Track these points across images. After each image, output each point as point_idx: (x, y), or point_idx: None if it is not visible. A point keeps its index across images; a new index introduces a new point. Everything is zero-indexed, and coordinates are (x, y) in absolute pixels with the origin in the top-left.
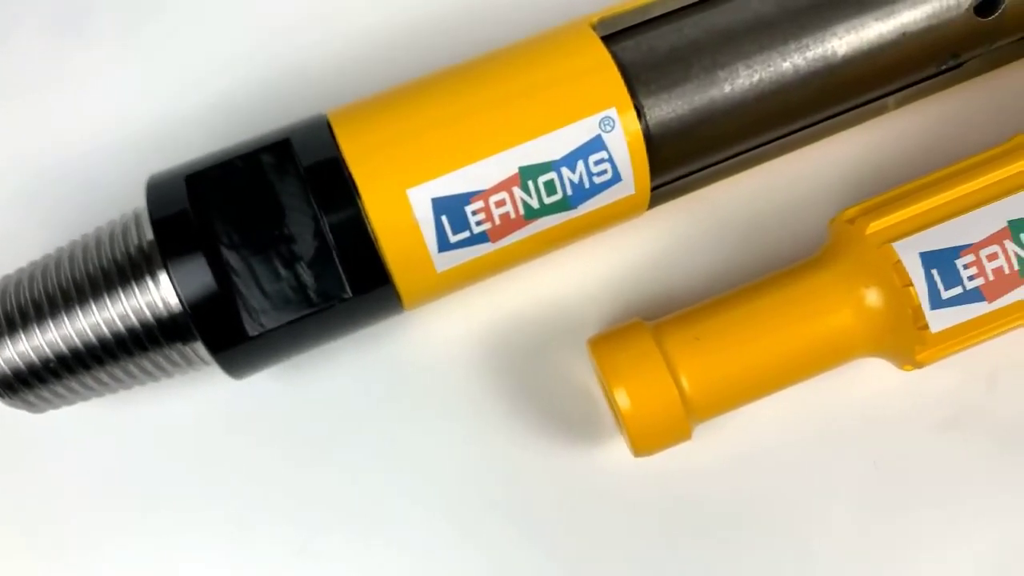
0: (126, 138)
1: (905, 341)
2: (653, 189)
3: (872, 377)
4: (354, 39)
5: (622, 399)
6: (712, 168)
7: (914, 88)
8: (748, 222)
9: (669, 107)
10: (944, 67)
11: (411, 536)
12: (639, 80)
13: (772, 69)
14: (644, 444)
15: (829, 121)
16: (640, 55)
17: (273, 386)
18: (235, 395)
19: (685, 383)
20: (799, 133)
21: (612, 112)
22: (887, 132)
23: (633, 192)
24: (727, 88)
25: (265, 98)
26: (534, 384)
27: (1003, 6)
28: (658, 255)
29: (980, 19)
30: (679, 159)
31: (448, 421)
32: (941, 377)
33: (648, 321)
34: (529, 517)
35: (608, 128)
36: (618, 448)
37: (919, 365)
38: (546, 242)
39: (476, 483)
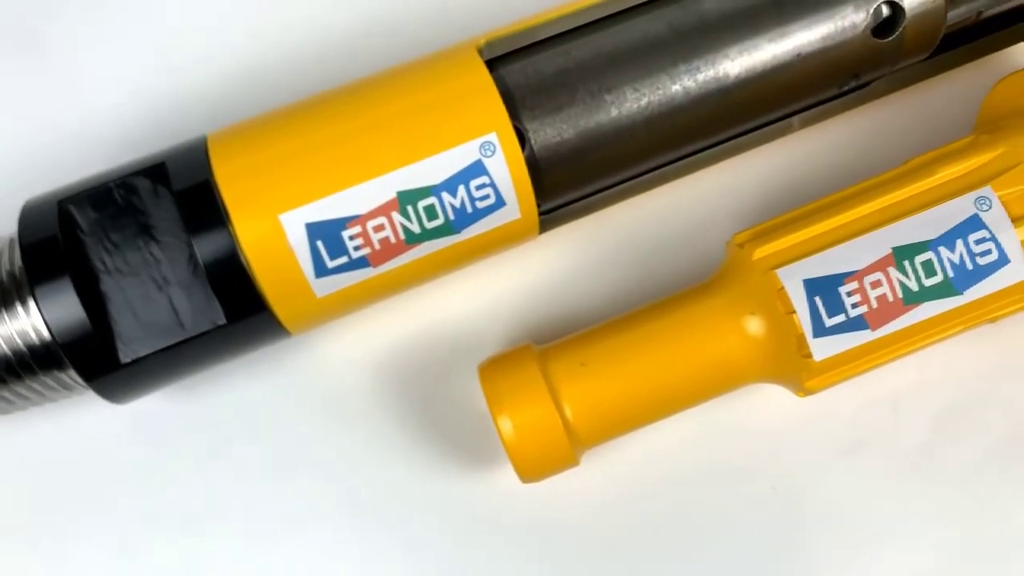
0: (20, 160)
1: (792, 368)
2: (545, 213)
3: (773, 400)
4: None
5: (504, 426)
6: (608, 191)
7: (818, 108)
8: (653, 243)
9: (554, 131)
10: (846, 88)
11: (302, 560)
12: (524, 104)
13: (661, 92)
14: (528, 471)
15: (731, 142)
16: (526, 78)
17: (164, 406)
18: (122, 416)
19: (568, 411)
20: (700, 154)
21: (493, 137)
22: (794, 152)
23: (519, 216)
24: (614, 112)
25: (163, 119)
26: (432, 407)
27: (901, 28)
28: (561, 276)
29: (878, 40)
30: (569, 183)
31: (342, 444)
32: (844, 401)
33: (541, 345)
34: (422, 541)
35: (489, 153)
36: (511, 472)
37: (808, 392)
38: (432, 266)
39: (369, 508)
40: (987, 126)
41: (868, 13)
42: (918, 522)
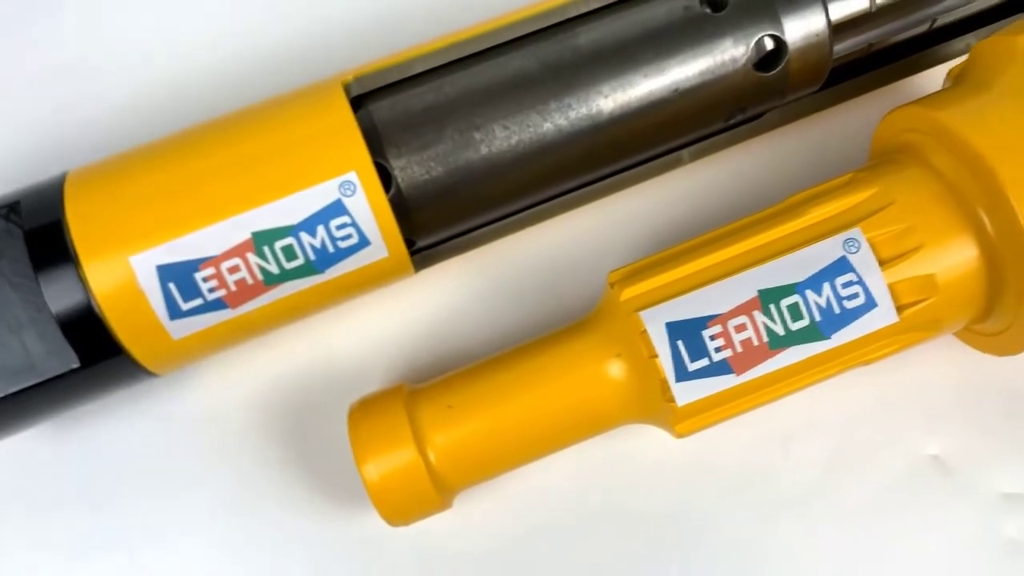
0: None
1: (659, 412)
2: (421, 249)
3: (661, 436)
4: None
5: (366, 473)
6: (492, 225)
7: (709, 141)
8: (542, 277)
9: (422, 169)
10: (733, 121)
11: None
12: (390, 141)
13: (532, 130)
14: (393, 516)
15: (619, 176)
16: (394, 115)
17: (36, 445)
18: None
19: (433, 455)
20: (585, 188)
21: (352, 176)
22: (687, 184)
23: (387, 255)
24: (484, 150)
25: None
26: (311, 446)
27: (784, 62)
28: (448, 311)
29: (762, 74)
30: (443, 220)
31: (220, 483)
32: (733, 439)
33: (417, 385)
34: None
35: (349, 192)
36: None
37: (679, 435)
38: (298, 306)
39: (245, 547)
40: (876, 160)
41: (749, 47)
42: (806, 562)
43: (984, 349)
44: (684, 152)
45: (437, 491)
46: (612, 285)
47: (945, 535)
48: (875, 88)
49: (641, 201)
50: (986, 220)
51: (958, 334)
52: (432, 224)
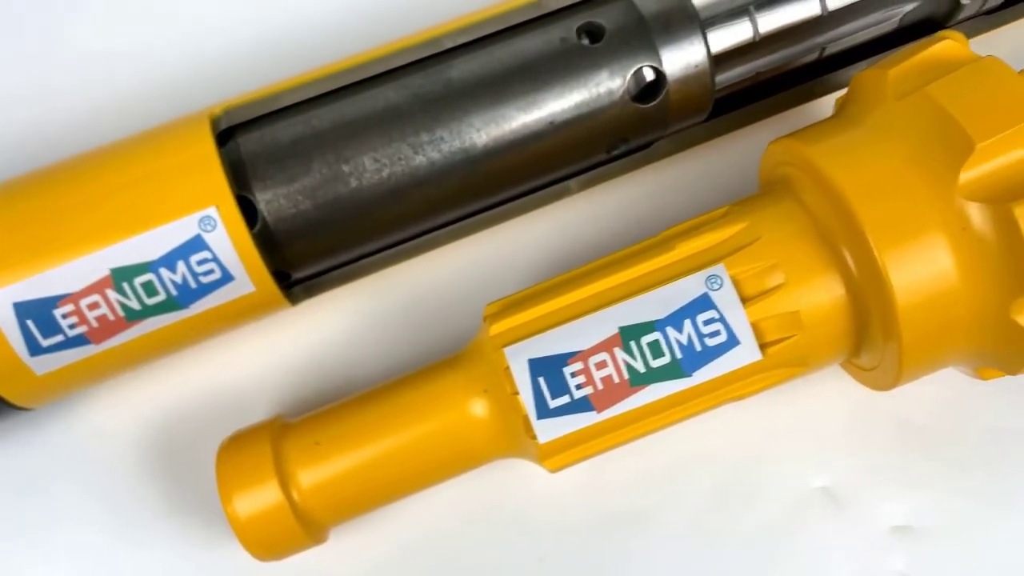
0: None
1: (527, 448)
2: (302, 280)
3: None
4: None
5: (229, 510)
6: (377, 255)
7: (597, 171)
8: (431, 307)
9: (289, 203)
10: (616, 152)
11: None
12: (256, 175)
13: (404, 163)
14: (261, 552)
15: (505, 206)
16: (262, 148)
17: None
18: None
19: (298, 493)
20: (473, 218)
21: (212, 211)
22: (578, 213)
23: (254, 290)
24: (354, 183)
25: None
26: (192, 479)
27: (664, 93)
28: (336, 341)
29: (641, 106)
30: (318, 253)
31: (98, 515)
32: (620, 470)
33: (294, 419)
34: None
35: (209, 228)
36: None
37: (551, 471)
38: (166, 341)
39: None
40: (758, 192)
41: (625, 79)
42: None
43: (863, 382)
44: (572, 182)
45: (304, 529)
46: (486, 319)
47: (834, 568)
48: (767, 116)
49: (531, 231)
50: (849, 259)
51: (843, 366)
52: (307, 257)
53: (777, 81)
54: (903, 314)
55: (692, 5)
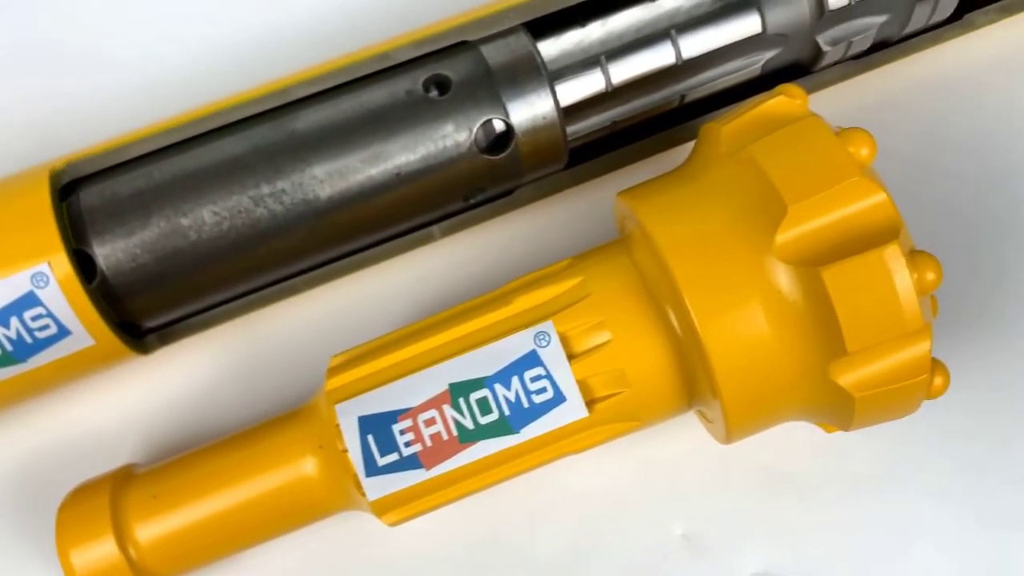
0: None
1: (361, 504)
2: (151, 331)
3: None
4: None
5: (65, 565)
6: (232, 303)
7: (459, 217)
8: (295, 354)
9: (128, 257)
10: (474, 200)
11: None
12: (95, 229)
13: (244, 216)
14: None
15: (365, 252)
16: (102, 201)
17: None
18: None
19: (134, 547)
20: (331, 265)
21: (44, 267)
22: (441, 259)
23: (93, 343)
24: (193, 236)
25: None
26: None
27: (513, 144)
28: (198, 389)
29: (491, 157)
30: (166, 304)
31: None
32: (480, 511)
33: (144, 468)
34: None
35: (42, 283)
36: None
37: (390, 524)
38: (5, 394)
39: None
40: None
41: (472, 132)
42: None
43: (710, 432)
44: (435, 228)
45: None
46: (327, 372)
47: None
48: (631, 163)
49: (394, 276)
50: (673, 318)
51: (695, 413)
52: (152, 308)
53: (643, 127)
54: (721, 376)
55: (540, 57)
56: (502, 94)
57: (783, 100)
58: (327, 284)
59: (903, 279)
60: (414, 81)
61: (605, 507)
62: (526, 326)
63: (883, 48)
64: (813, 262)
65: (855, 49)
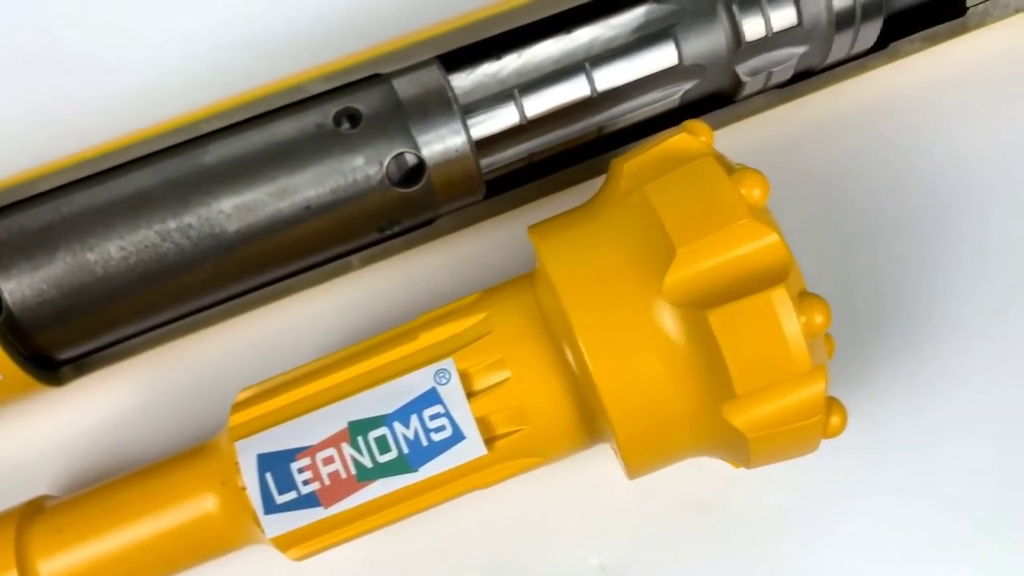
0: None
1: (264, 539)
2: (62, 364)
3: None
4: None
5: None
6: (149, 334)
7: (379, 247)
8: (216, 383)
9: (34, 292)
10: (390, 232)
11: None
12: (1, 264)
13: (151, 250)
14: None
15: (283, 283)
16: (9, 236)
17: None
18: None
19: None
20: (248, 296)
21: None
22: (361, 290)
23: (1, 377)
24: (99, 271)
25: None
26: None
27: (425, 178)
28: (120, 418)
29: (404, 190)
30: (75, 338)
31: None
32: (390, 548)
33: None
34: None
35: None
36: None
37: (293, 560)
38: None
39: None
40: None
41: (383, 165)
42: None
43: (621, 466)
44: (354, 257)
45: None
46: (233, 407)
47: None
48: (551, 193)
49: (314, 307)
50: (570, 357)
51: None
52: (63, 341)
53: (563, 157)
54: (614, 416)
55: (452, 90)
56: (413, 127)
57: (685, 137)
58: (246, 314)
59: (790, 322)
60: (325, 114)
61: (522, 538)
62: (427, 363)
63: (808, 77)
64: (701, 305)
65: (776, 79)
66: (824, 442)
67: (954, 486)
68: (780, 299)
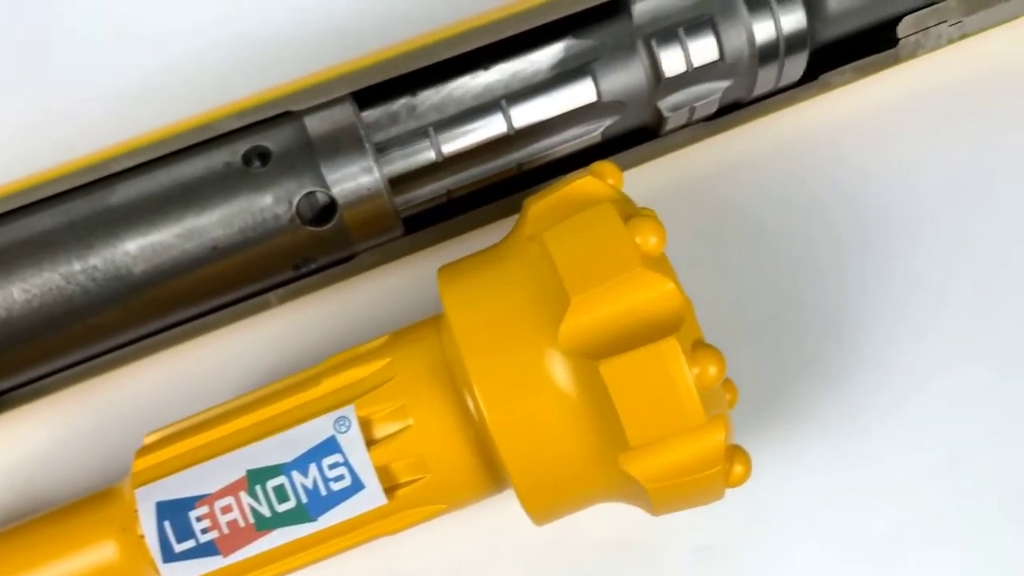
0: None
1: None
2: None
3: None
4: None
5: None
6: (60, 375)
7: (297, 284)
8: (127, 427)
9: None
10: (304, 269)
11: None
12: None
13: (55, 292)
14: None
15: (200, 320)
16: None
17: None
18: None
19: None
20: (158, 336)
21: None
22: (280, 327)
23: None
24: (3, 314)
25: None
26: None
27: (337, 217)
28: (42, 456)
29: (316, 229)
30: None
31: None
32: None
33: None
34: None
35: None
36: None
37: None
38: None
39: None
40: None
41: (292, 205)
42: None
43: None
44: (272, 294)
45: None
46: (138, 452)
47: None
48: (473, 229)
49: (233, 344)
50: (471, 405)
51: None
52: None
53: (485, 192)
54: (511, 465)
55: (364, 128)
56: (323, 166)
57: (589, 181)
58: (163, 351)
59: (681, 375)
60: (234, 153)
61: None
62: (328, 410)
63: (736, 109)
64: (596, 354)
65: (701, 113)
66: (754, 480)
67: (883, 523)
68: (671, 351)
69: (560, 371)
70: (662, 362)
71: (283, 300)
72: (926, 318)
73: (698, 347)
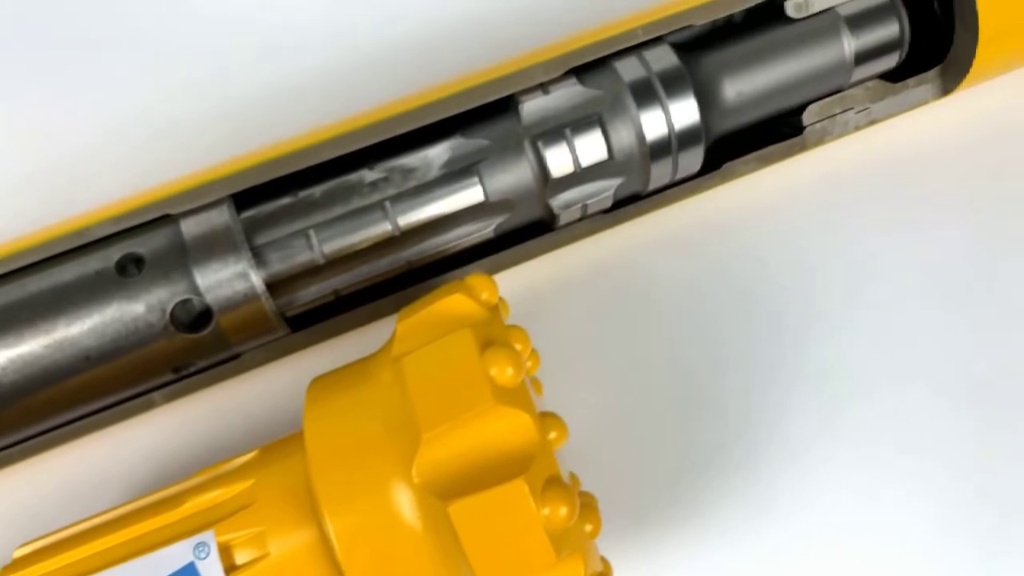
0: None
1: None
2: None
3: None
4: None
5: None
6: None
7: (181, 384)
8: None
9: None
10: (185, 372)
11: None
12: None
13: None
14: None
15: (73, 425)
16: None
17: None
18: None
19: None
20: (37, 439)
21: None
22: (166, 427)
23: None
24: None
25: None
26: None
27: (213, 323)
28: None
29: (192, 335)
30: None
31: None
32: None
33: None
34: None
35: None
36: None
37: None
38: None
39: None
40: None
41: (165, 312)
42: None
43: None
44: (156, 394)
45: None
46: (6, 569)
47: None
48: (364, 324)
49: (115, 446)
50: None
51: None
52: None
53: (378, 288)
54: None
55: (240, 231)
56: (196, 271)
57: (458, 299)
58: (44, 453)
59: (530, 517)
60: (107, 259)
61: None
62: (190, 533)
63: (635, 200)
64: (448, 492)
65: (595, 208)
66: None
67: None
68: (519, 493)
69: (410, 509)
70: (510, 505)
71: (168, 399)
72: (818, 404)
73: (550, 486)
